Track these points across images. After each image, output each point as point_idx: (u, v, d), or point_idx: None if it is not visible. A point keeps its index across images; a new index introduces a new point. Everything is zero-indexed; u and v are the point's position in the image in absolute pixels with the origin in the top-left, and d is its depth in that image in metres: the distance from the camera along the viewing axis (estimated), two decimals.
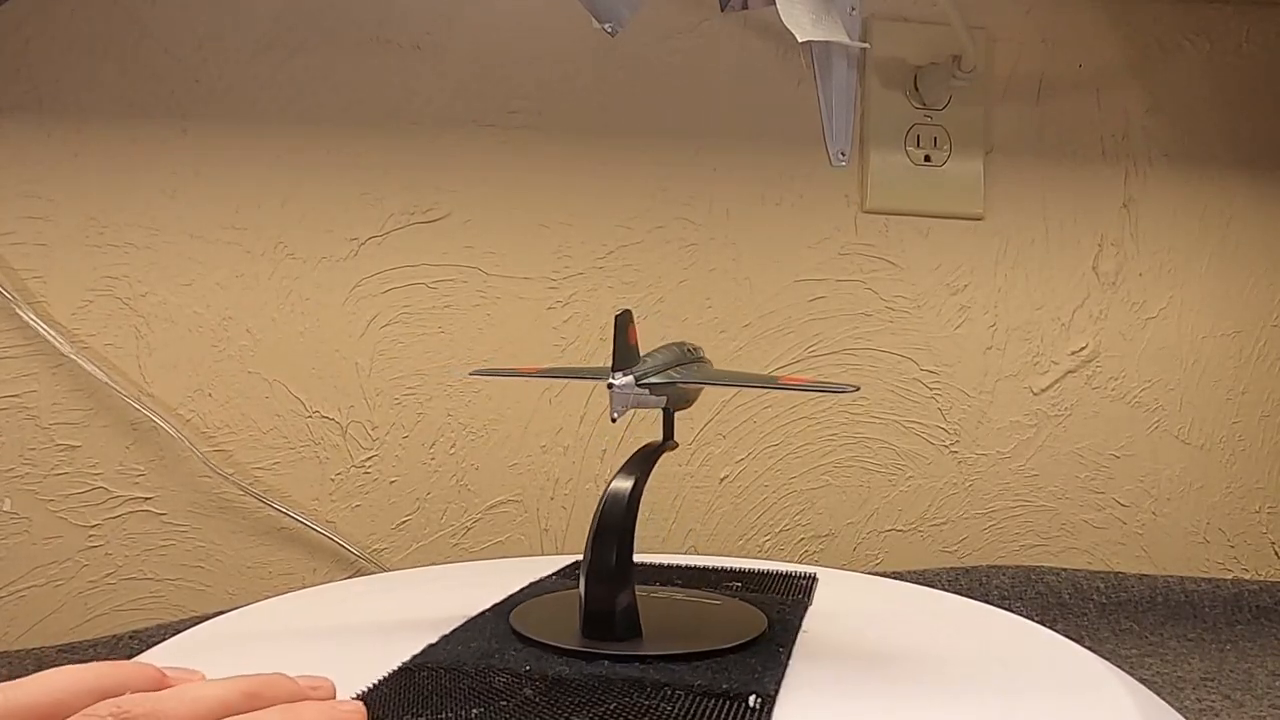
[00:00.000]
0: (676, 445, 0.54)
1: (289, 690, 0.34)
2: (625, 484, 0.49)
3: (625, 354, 0.47)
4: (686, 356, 0.51)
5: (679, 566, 0.67)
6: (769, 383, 0.52)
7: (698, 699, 0.40)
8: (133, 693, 0.31)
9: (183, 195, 0.90)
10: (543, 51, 0.96)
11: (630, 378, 0.47)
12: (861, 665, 0.47)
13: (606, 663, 0.45)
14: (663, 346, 0.51)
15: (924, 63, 1.02)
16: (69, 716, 0.29)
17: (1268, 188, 1.10)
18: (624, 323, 0.48)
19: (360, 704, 0.34)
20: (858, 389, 0.46)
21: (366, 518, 0.93)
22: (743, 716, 0.39)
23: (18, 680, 0.30)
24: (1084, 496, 1.07)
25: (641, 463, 0.51)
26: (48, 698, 0.30)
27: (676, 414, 0.54)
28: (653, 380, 0.48)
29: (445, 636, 0.49)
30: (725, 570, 0.66)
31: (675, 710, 0.39)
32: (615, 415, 0.47)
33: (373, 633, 0.52)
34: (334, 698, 0.36)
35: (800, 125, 1.01)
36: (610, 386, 0.46)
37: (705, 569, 0.67)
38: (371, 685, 0.42)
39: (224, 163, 0.91)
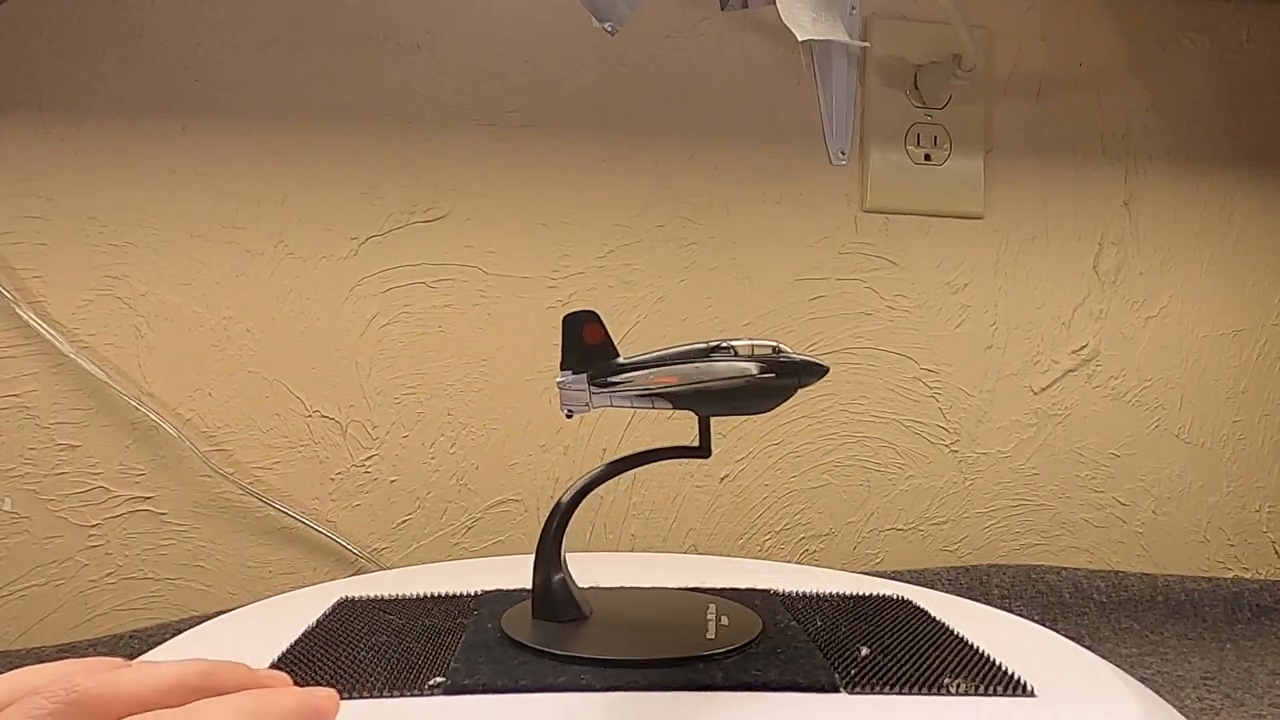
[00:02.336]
0: (701, 454, 0.50)
1: (246, 676, 0.34)
2: (581, 480, 0.52)
3: (579, 354, 0.50)
4: (689, 356, 0.48)
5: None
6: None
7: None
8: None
9: (183, 194, 0.90)
10: (543, 50, 0.96)
11: (582, 377, 0.49)
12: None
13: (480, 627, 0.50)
14: (689, 344, 0.49)
15: (924, 61, 1.02)
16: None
17: (1269, 186, 1.10)
18: (576, 323, 0.50)
19: (333, 691, 0.34)
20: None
21: (366, 517, 0.93)
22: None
23: None
24: (1084, 496, 1.07)
25: (619, 462, 0.51)
26: (18, 688, 0.30)
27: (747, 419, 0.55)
28: (610, 380, 0.49)
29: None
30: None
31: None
32: (565, 411, 0.50)
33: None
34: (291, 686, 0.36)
35: (800, 124, 1.01)
36: (558, 384, 0.49)
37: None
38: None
39: (224, 161, 0.91)
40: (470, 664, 0.45)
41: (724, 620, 0.52)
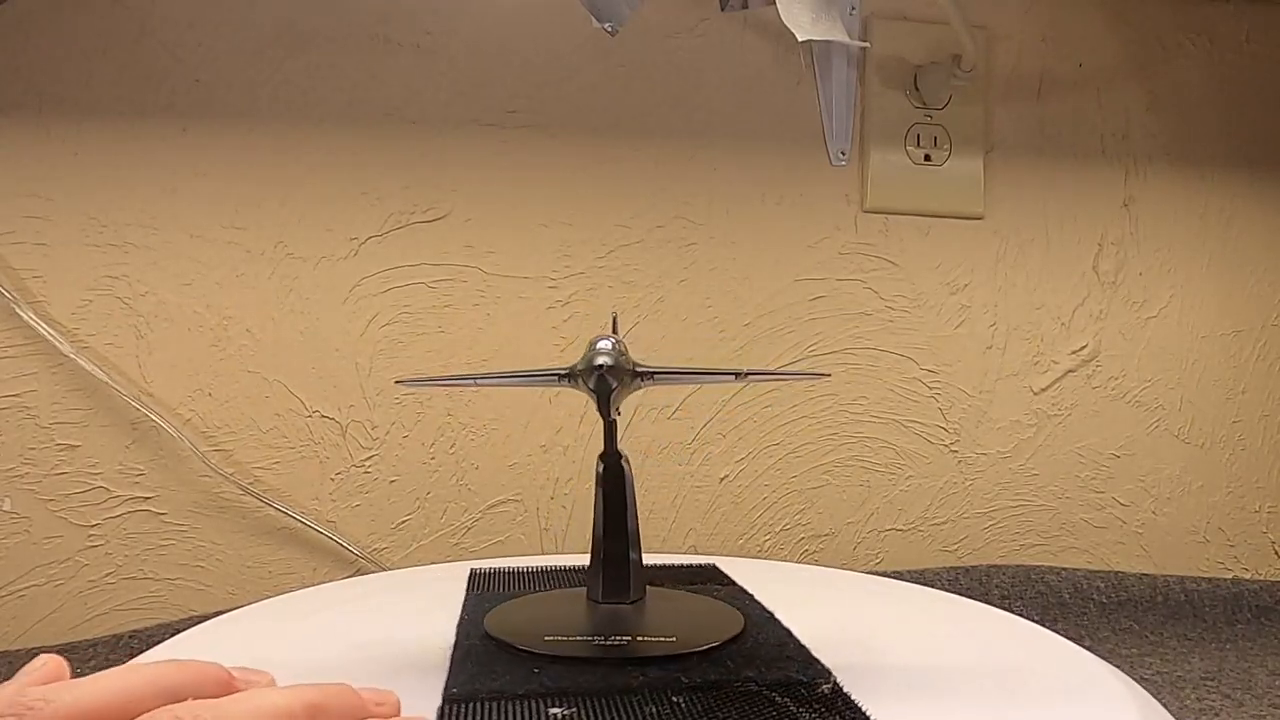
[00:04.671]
0: (603, 458, 0.50)
1: (353, 703, 0.34)
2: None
3: None
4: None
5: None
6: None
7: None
8: (196, 697, 0.31)
9: (183, 194, 0.90)
10: (543, 51, 0.96)
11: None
12: (857, 666, 0.47)
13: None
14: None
15: (924, 62, 1.02)
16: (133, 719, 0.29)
17: (1268, 187, 1.10)
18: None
19: (427, 718, 0.34)
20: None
21: (366, 517, 0.93)
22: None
23: (83, 678, 0.30)
24: (1084, 496, 1.07)
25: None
26: (114, 698, 0.30)
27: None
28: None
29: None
30: None
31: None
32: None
33: (373, 633, 0.52)
34: (399, 713, 0.36)
35: (800, 124, 1.01)
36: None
37: None
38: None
39: (224, 162, 0.91)
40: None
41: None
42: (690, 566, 0.66)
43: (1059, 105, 1.06)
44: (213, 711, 0.30)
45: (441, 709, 0.39)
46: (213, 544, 0.90)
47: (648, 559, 0.61)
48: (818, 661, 0.45)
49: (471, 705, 0.39)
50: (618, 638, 0.47)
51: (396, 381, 0.58)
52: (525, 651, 0.46)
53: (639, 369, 0.46)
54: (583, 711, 0.38)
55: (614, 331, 0.54)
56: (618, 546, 0.53)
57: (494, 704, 0.39)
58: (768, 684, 0.41)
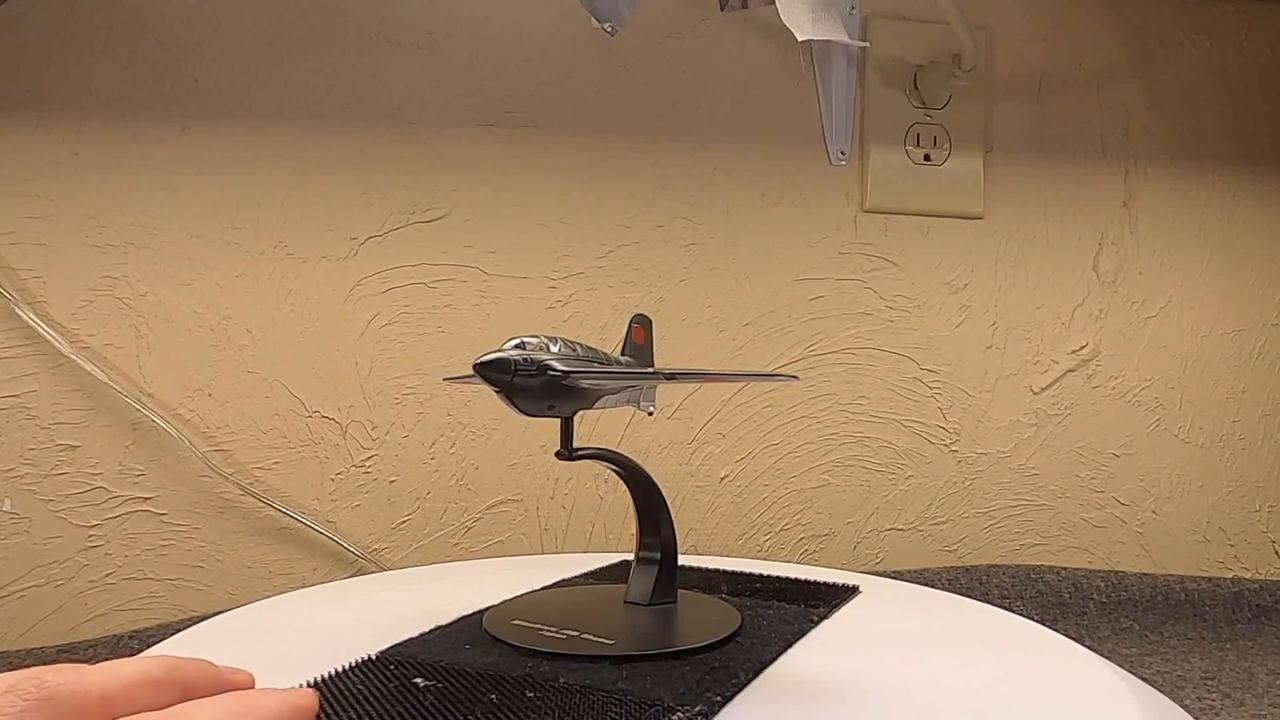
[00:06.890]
0: (561, 457, 0.51)
1: (210, 671, 0.35)
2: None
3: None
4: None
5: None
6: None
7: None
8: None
9: (182, 194, 0.90)
10: (543, 51, 0.96)
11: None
12: (856, 666, 0.47)
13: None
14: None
15: (924, 61, 1.02)
16: None
17: (1268, 186, 1.10)
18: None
19: (313, 690, 0.34)
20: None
21: (366, 517, 0.93)
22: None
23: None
24: (1084, 495, 1.07)
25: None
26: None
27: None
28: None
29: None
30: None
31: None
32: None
33: (372, 633, 0.52)
34: (253, 684, 0.37)
35: (800, 124, 1.01)
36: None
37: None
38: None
39: (224, 162, 0.91)
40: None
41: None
42: (794, 579, 0.64)
43: (1059, 105, 1.06)
44: (70, 674, 0.30)
45: (355, 663, 0.44)
46: (213, 544, 0.90)
47: (795, 572, 0.65)
48: (722, 693, 0.41)
49: (376, 664, 0.44)
50: (569, 632, 0.48)
51: (445, 379, 0.61)
52: (488, 633, 0.49)
53: (551, 369, 0.44)
54: (447, 687, 0.41)
55: (630, 331, 0.54)
56: (646, 548, 0.54)
57: (391, 666, 0.44)
58: (624, 700, 0.40)
